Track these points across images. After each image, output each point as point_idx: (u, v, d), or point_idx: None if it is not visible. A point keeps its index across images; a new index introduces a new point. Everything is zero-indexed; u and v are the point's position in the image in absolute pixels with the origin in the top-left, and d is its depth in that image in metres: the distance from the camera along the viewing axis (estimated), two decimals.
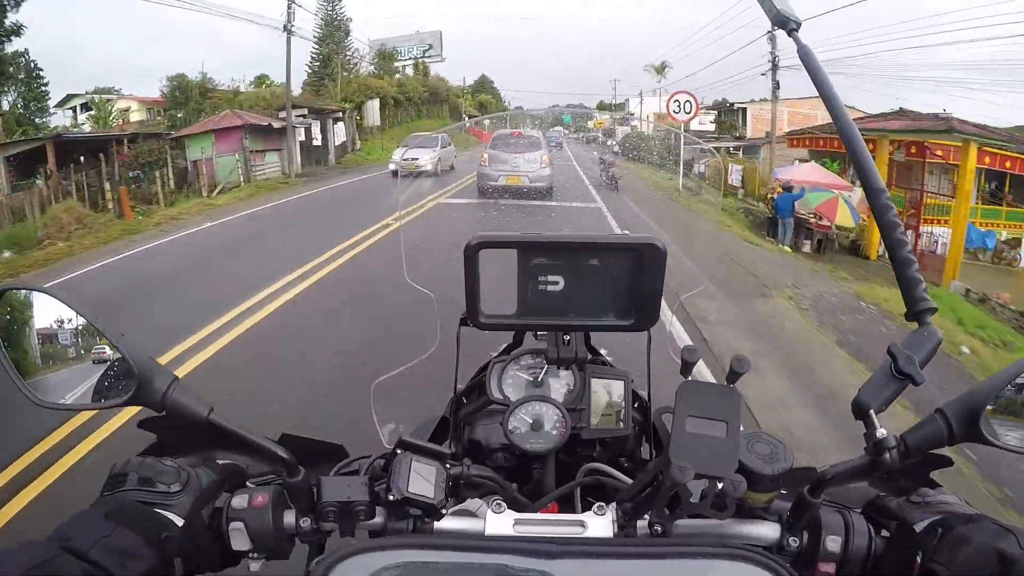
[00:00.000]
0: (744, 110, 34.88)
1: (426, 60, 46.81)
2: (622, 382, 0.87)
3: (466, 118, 49.27)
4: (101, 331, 0.60)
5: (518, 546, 0.50)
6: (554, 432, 0.79)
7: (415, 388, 1.13)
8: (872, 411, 0.58)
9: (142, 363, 0.59)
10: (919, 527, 0.57)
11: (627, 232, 0.85)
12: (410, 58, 46.53)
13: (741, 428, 0.60)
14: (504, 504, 0.63)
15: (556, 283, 0.69)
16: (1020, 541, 0.50)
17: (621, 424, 0.85)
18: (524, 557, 0.48)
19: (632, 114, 55.82)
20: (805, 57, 0.73)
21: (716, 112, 39.70)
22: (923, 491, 0.63)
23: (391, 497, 0.60)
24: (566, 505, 0.78)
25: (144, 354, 0.60)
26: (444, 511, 0.62)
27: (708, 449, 0.56)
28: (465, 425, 0.92)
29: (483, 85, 69.46)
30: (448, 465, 0.65)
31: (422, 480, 0.61)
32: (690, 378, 0.63)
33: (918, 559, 0.55)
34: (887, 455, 0.57)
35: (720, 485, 0.56)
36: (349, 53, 40.71)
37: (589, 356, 0.87)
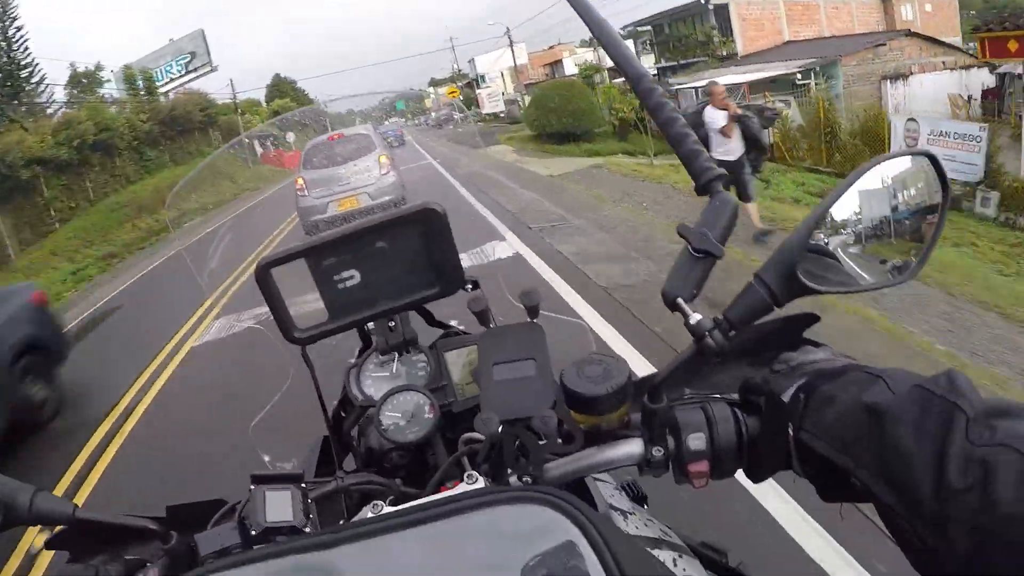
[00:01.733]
0: (725, 8, 21.60)
1: (193, 74, 31.19)
2: (476, 347, 0.81)
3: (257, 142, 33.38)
4: None
5: (300, 544, 0.46)
6: (426, 416, 0.79)
7: (299, 417, 1.08)
8: (681, 299, 0.55)
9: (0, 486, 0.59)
10: (786, 396, 0.54)
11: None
12: (168, 79, 30.53)
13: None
14: (383, 504, 0.61)
15: (352, 277, 0.71)
16: (889, 385, 0.46)
17: None
18: (302, 554, 0.45)
19: (484, 75, 42.06)
20: None
21: (651, 27, 26.20)
22: (785, 356, 0.60)
23: (253, 532, 0.59)
24: None
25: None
26: (307, 528, 0.61)
27: (519, 391, 0.59)
28: (360, 436, 0.91)
29: (279, 87, 51.97)
30: (305, 485, 0.64)
31: (278, 507, 0.60)
32: (492, 325, 0.65)
33: (790, 431, 0.53)
34: (708, 338, 0.54)
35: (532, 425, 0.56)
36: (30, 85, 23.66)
37: (416, 336, 0.91)
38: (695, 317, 0.54)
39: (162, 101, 27.19)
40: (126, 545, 0.67)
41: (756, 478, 0.59)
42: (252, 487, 0.61)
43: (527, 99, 32.81)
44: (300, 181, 7.06)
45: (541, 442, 0.57)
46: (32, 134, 16.74)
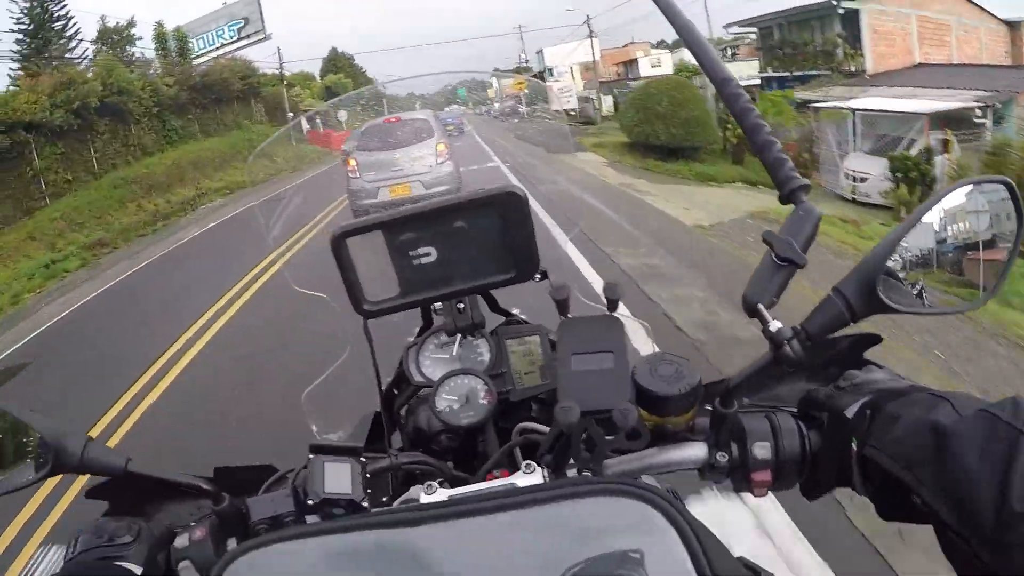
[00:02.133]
0: (855, 15, 17.75)
1: (245, 41, 28.78)
2: (537, 337, 0.86)
3: (301, 118, 30.88)
4: (8, 411, 0.61)
5: (381, 519, 0.46)
6: (482, 402, 0.79)
7: (349, 389, 1.06)
8: (761, 306, 0.55)
9: (53, 433, 0.59)
10: (850, 412, 0.54)
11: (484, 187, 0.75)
12: (220, 44, 28.10)
13: (639, 353, 0.62)
14: (436, 485, 0.61)
15: (428, 254, 0.70)
16: (955, 407, 0.46)
17: (546, 379, 0.84)
18: (383, 530, 0.45)
19: (552, 68, 38.66)
20: None
21: (757, 29, 22.49)
22: (849, 373, 0.60)
23: (310, 502, 0.60)
24: (515, 471, 0.75)
25: (53, 424, 0.60)
26: (365, 503, 0.62)
27: (597, 383, 0.57)
28: (409, 415, 0.89)
29: (335, 63, 49.45)
30: (363, 459, 0.65)
31: (337, 478, 0.61)
32: (570, 315, 0.65)
33: (853, 446, 0.53)
34: (787, 347, 0.54)
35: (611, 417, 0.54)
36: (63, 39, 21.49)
37: (484, 320, 0.90)
38: (775, 325, 0.54)
39: (201, 66, 24.53)
40: (165, 504, 0.68)
41: (812, 495, 0.58)
42: (311, 456, 0.61)
43: (602, 98, 29.31)
44: (352, 162, 6.78)
45: (608, 437, 0.56)
46: (25, 92, 13.96)
